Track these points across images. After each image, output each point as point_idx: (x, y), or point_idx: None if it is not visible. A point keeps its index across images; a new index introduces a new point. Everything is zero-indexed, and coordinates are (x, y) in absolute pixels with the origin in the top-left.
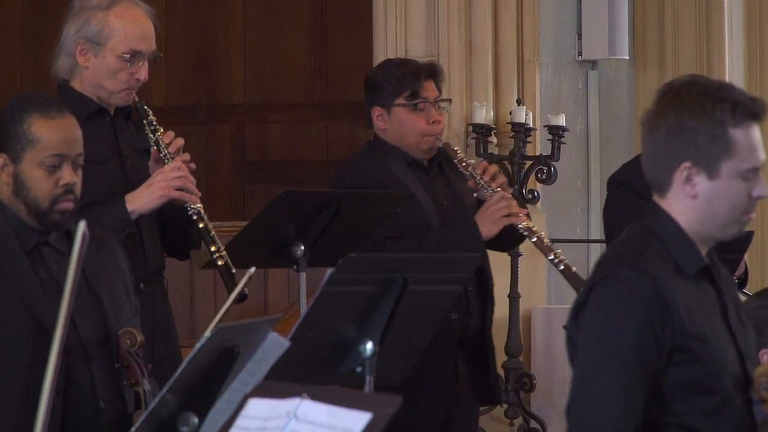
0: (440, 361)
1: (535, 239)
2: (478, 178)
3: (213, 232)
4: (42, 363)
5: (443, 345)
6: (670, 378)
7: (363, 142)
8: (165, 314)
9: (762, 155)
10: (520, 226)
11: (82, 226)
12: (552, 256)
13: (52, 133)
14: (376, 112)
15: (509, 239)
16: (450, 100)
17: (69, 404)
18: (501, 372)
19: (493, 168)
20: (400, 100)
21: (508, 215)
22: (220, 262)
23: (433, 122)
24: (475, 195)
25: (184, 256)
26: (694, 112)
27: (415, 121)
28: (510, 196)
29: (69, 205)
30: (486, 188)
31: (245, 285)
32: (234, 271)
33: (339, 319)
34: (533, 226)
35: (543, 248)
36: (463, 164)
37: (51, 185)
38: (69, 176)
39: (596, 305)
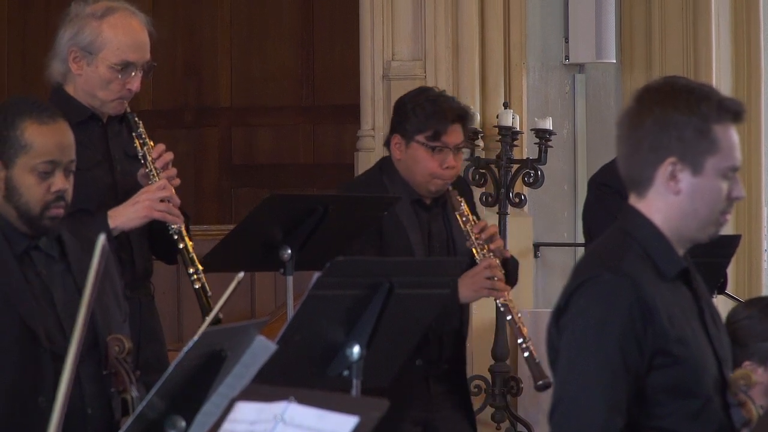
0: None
1: (509, 318)
2: (474, 237)
3: (192, 253)
4: (28, 365)
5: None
6: (651, 381)
7: (350, 145)
8: (151, 319)
9: (740, 156)
10: (498, 301)
11: (101, 239)
12: (521, 340)
13: (45, 139)
14: (396, 139)
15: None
16: (470, 146)
17: None
18: (488, 376)
19: (492, 229)
20: (421, 138)
21: (491, 288)
22: (196, 285)
23: (447, 167)
24: (467, 244)
25: (172, 260)
26: (680, 107)
27: (429, 162)
28: (497, 264)
29: (60, 212)
30: (479, 250)
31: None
32: (210, 294)
33: (326, 322)
34: (511, 304)
35: (515, 329)
36: (463, 219)
37: (43, 191)
38: (61, 183)
39: (578, 309)
